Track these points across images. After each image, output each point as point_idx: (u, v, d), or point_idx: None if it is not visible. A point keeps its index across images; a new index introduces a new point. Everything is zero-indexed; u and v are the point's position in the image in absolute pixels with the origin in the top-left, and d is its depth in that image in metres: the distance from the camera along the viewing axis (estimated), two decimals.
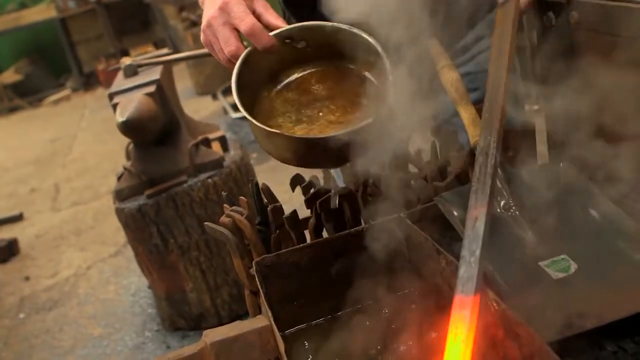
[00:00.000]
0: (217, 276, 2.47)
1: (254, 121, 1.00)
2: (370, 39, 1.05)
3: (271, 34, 1.06)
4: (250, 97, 1.08)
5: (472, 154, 1.18)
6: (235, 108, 5.13)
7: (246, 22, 1.02)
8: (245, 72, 1.05)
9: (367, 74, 1.10)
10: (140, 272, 2.83)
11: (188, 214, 2.37)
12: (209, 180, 2.39)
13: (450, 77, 1.23)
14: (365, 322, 1.04)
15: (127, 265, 3.36)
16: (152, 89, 2.37)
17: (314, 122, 1.06)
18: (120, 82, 2.60)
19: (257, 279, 1.03)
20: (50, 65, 8.96)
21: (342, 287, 1.08)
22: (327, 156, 1.02)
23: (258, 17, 1.06)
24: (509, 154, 1.24)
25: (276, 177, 2.24)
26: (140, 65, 2.65)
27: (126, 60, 2.69)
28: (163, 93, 2.41)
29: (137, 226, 2.37)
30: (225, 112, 5.25)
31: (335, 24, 1.06)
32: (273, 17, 1.07)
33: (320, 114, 1.07)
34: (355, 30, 1.05)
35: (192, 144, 2.40)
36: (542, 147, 1.26)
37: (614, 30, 0.94)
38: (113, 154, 2.57)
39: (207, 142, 2.50)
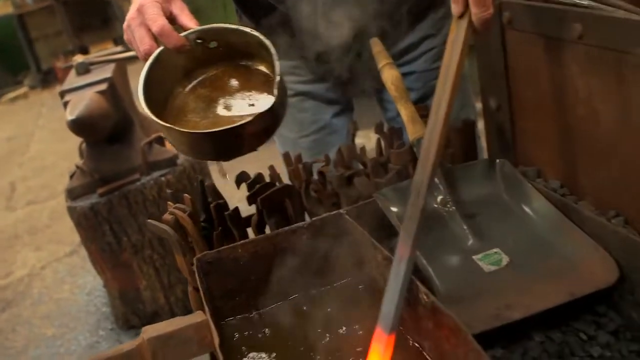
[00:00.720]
0: (171, 274, 2.47)
1: (149, 114, 1.04)
2: (262, 38, 1.10)
3: (182, 34, 1.11)
4: (164, 93, 1.14)
5: (411, 150, 1.21)
6: None
7: (157, 23, 1.08)
8: (157, 69, 1.10)
9: (268, 71, 1.16)
10: (96, 272, 2.81)
11: (141, 212, 2.36)
12: (162, 178, 2.38)
13: (390, 75, 1.26)
14: (304, 314, 1.06)
15: (83, 264, 3.33)
16: (103, 86, 2.35)
17: (218, 117, 1.10)
18: (72, 80, 2.58)
19: (197, 275, 1.04)
20: (7, 62, 8.79)
21: (283, 282, 1.10)
22: (218, 149, 1.07)
23: (174, 18, 1.12)
24: (449, 151, 1.28)
25: (232, 178, 2.24)
26: (92, 63, 2.63)
27: (78, 58, 2.67)
28: (115, 91, 2.40)
29: (89, 225, 2.36)
30: None
31: (237, 26, 1.12)
32: (187, 19, 1.13)
33: (224, 108, 1.11)
34: (253, 32, 1.10)
35: (145, 142, 2.39)
36: (479, 142, 1.29)
37: (546, 31, 0.98)
38: (71, 153, 2.55)
39: (160, 140, 2.49)
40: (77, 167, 2.44)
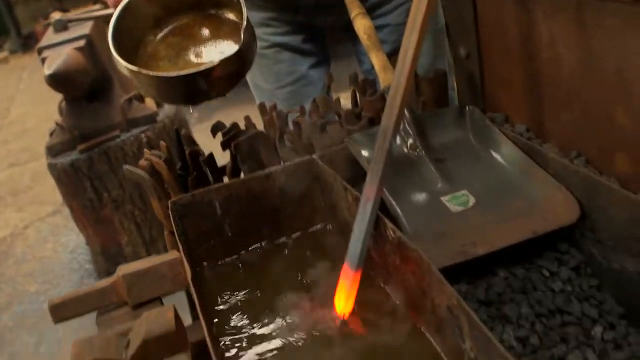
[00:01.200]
0: (152, 229, 2.48)
1: (118, 58, 1.06)
2: None
3: None
4: (135, 41, 1.16)
5: (383, 98, 1.23)
6: None
7: None
8: (127, 17, 1.13)
9: (237, 20, 1.18)
10: (79, 230, 2.82)
11: (121, 168, 2.35)
12: (142, 135, 2.39)
13: (363, 24, 1.27)
14: (278, 257, 1.09)
15: (66, 223, 3.34)
16: (81, 43, 2.34)
17: (188, 64, 1.14)
18: (50, 37, 2.56)
19: (172, 218, 1.06)
20: None
21: (258, 226, 1.13)
22: (185, 92, 1.10)
23: None
24: (420, 99, 1.30)
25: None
26: (70, 21, 2.61)
27: (56, 15, 2.65)
28: (93, 48, 2.39)
29: (70, 181, 2.36)
30: None
31: None
32: None
33: (195, 56, 1.15)
34: None
35: (125, 99, 2.39)
36: (451, 92, 1.32)
37: None
38: (52, 116, 2.54)
39: (140, 98, 2.49)
40: (57, 124, 2.44)
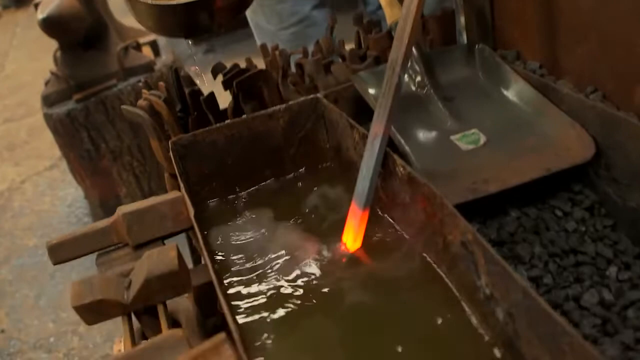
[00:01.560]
0: (152, 181, 2.45)
1: None
2: None
3: None
4: None
5: (389, 35, 1.19)
6: None
7: None
8: None
9: None
10: (77, 184, 2.79)
11: (119, 119, 2.32)
12: (139, 83, 2.33)
13: None
14: (282, 197, 1.06)
15: (63, 177, 3.31)
16: None
17: None
18: None
19: (173, 158, 1.02)
20: None
21: (261, 166, 1.09)
22: (185, 23, 1.07)
23: None
24: (428, 37, 1.25)
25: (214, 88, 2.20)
26: None
27: None
28: None
29: (66, 132, 2.32)
30: None
31: None
32: None
33: None
34: None
35: (121, 47, 2.33)
36: (460, 31, 1.27)
37: None
38: (47, 71, 2.49)
39: (137, 46, 2.43)
40: (52, 73, 2.39)
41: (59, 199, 3.15)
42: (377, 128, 0.89)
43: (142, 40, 2.52)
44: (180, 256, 0.82)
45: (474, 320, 0.77)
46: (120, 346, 1.14)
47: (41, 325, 2.32)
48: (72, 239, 0.88)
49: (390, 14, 1.15)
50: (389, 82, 0.90)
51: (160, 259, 0.80)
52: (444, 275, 0.83)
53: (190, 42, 1.28)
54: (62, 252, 0.88)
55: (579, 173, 0.96)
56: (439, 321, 0.77)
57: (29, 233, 2.92)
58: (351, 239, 0.91)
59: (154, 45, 2.56)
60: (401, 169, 0.87)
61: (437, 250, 0.84)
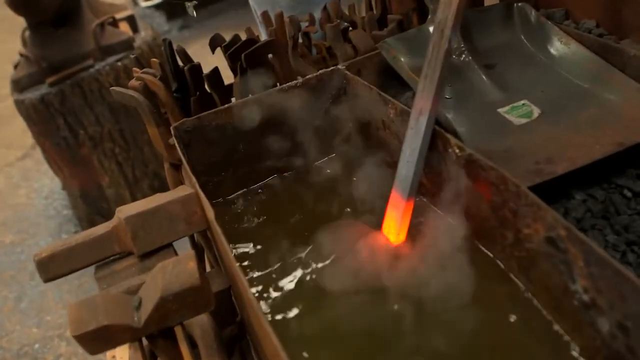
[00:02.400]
0: (136, 168, 2.28)
1: None
2: None
3: None
4: None
5: None
6: None
7: None
8: None
9: None
10: (53, 174, 2.60)
11: (98, 102, 2.14)
12: (119, 63, 2.15)
13: None
14: (302, 185, 0.92)
15: (37, 167, 3.12)
16: None
17: None
18: None
19: (177, 147, 0.87)
20: None
21: (277, 151, 0.94)
22: None
23: None
24: None
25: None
26: None
27: None
28: None
29: (41, 119, 2.13)
30: (135, 2, 4.88)
31: None
32: None
33: None
34: None
35: (97, 24, 2.14)
36: None
37: None
38: (14, 54, 2.29)
39: (113, 22, 2.25)
40: (22, 55, 2.19)
41: (35, 190, 2.96)
42: (422, 103, 0.75)
43: (118, 15, 2.34)
44: (200, 267, 0.67)
45: (557, 327, 0.64)
46: (114, 352, 1.00)
47: (24, 330, 2.15)
48: (66, 250, 0.72)
49: None
50: (436, 48, 0.76)
51: (177, 272, 0.65)
52: (515, 278, 0.70)
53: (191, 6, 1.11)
54: (54, 267, 0.72)
55: None
56: (508, 326, 0.65)
57: (3, 229, 2.73)
58: (394, 231, 0.77)
59: (131, 20, 2.37)
60: (457, 150, 0.73)
61: (503, 245, 0.71)
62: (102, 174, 2.24)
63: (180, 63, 1.05)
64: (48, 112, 2.11)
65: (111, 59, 2.15)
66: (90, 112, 2.13)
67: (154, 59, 1.02)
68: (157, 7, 4.41)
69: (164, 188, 1.13)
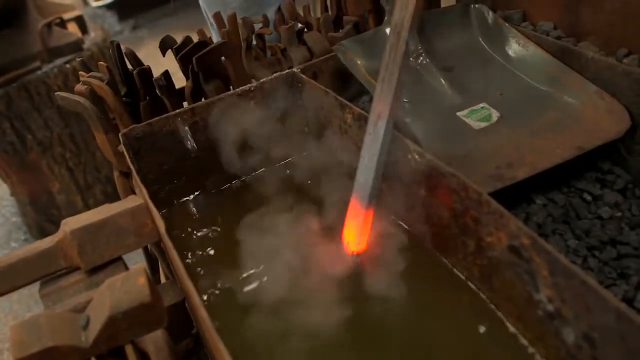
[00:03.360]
0: (87, 173, 2.21)
1: None
2: None
3: None
4: None
5: None
6: None
7: None
8: None
9: None
10: (1, 180, 2.51)
11: (46, 105, 2.06)
12: (67, 65, 2.08)
13: None
14: (257, 193, 0.89)
15: None
16: None
17: None
18: None
19: (126, 155, 0.83)
20: None
21: (230, 160, 0.91)
22: None
23: None
24: None
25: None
26: None
27: None
28: None
29: None
30: (85, 2, 4.77)
31: None
32: None
33: None
34: None
35: (43, 24, 2.07)
36: None
37: None
38: None
39: (61, 23, 2.17)
40: None
41: None
42: (381, 107, 0.73)
43: (66, 15, 2.26)
44: (150, 282, 0.64)
45: (521, 338, 0.63)
46: None
47: None
48: (8, 266, 0.68)
49: None
50: (393, 50, 0.74)
51: (126, 288, 0.62)
52: (474, 287, 0.68)
53: None
54: None
55: (607, 149, 0.82)
56: (470, 337, 0.63)
57: None
58: (354, 239, 0.75)
59: (80, 21, 2.30)
60: (416, 156, 0.71)
61: (465, 254, 0.69)
62: (52, 180, 2.17)
63: (129, 66, 1.01)
64: None
65: (59, 61, 2.07)
66: (39, 116, 2.06)
67: (102, 63, 0.98)
68: (108, 7, 4.32)
69: (117, 194, 1.09)
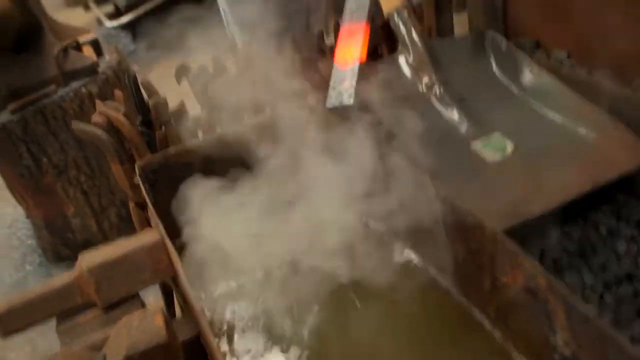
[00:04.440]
0: (102, 197, 2.22)
1: None
2: None
3: None
4: None
5: (386, 26, 1.03)
6: (110, 17, 4.71)
7: None
8: None
9: None
10: (16, 201, 2.52)
11: (62, 129, 2.08)
12: (83, 89, 2.10)
13: None
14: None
15: (0, 195, 3.02)
16: None
17: None
18: None
19: (142, 187, 0.84)
20: None
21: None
22: None
23: None
24: (425, 25, 1.09)
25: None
26: None
27: None
28: None
29: (3, 147, 2.06)
30: (100, 22, 4.81)
31: None
32: None
33: None
34: None
35: (60, 49, 2.09)
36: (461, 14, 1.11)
37: None
38: None
39: (77, 46, 2.19)
40: None
41: None
42: None
43: (82, 39, 2.28)
44: (167, 321, 0.64)
45: None
46: None
47: None
48: (26, 302, 0.69)
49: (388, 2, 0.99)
50: None
51: (143, 328, 0.62)
52: (486, 324, 0.68)
53: None
54: (13, 321, 0.69)
55: (623, 180, 0.82)
56: None
57: None
58: (354, 55, 0.86)
59: (95, 44, 2.32)
60: (432, 193, 0.71)
61: (480, 292, 0.69)
62: (67, 203, 2.18)
63: (145, 96, 1.02)
64: (10, 140, 2.05)
65: (75, 85, 2.09)
66: (54, 139, 2.07)
67: (117, 91, 0.99)
68: (122, 27, 4.35)
69: (131, 217, 1.09)
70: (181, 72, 1.07)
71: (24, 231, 2.65)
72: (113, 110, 0.93)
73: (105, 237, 2.23)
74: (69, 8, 5.69)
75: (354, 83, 0.85)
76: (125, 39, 4.36)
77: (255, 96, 0.96)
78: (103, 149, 0.91)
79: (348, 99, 0.85)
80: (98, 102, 0.97)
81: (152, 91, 1.00)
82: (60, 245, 2.29)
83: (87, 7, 5.44)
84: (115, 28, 4.39)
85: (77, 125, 0.90)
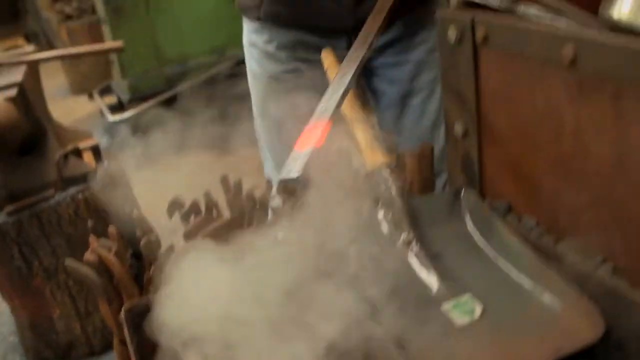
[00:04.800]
0: (88, 302, 2.24)
1: None
2: None
3: None
4: None
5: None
6: (112, 110, 4.85)
7: None
8: None
9: None
10: (1, 297, 2.52)
11: (55, 233, 2.13)
12: (79, 195, 2.16)
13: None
14: None
15: None
16: (13, 93, 2.12)
17: None
18: None
19: (126, 329, 0.88)
20: None
21: None
22: None
23: None
24: (407, 177, 1.16)
25: (157, 188, 2.01)
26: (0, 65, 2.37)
27: None
28: (26, 97, 2.17)
29: None
30: (102, 114, 4.95)
31: None
32: None
33: None
34: None
35: (61, 155, 2.16)
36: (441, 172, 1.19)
37: (529, 53, 0.87)
38: None
39: (77, 152, 2.27)
40: None
41: None
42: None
43: (82, 144, 2.36)
44: None
45: None
46: None
47: None
48: None
49: (371, 159, 1.05)
50: None
51: None
52: None
53: None
54: None
55: (586, 351, 0.85)
56: None
57: None
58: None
59: (95, 149, 2.40)
60: None
61: None
62: (53, 306, 2.20)
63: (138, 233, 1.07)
64: (4, 241, 2.09)
65: (72, 190, 2.16)
66: (47, 243, 2.12)
67: (111, 229, 1.04)
68: (124, 121, 4.48)
69: None
70: (173, 208, 1.13)
71: (6, 327, 2.65)
72: (105, 250, 0.97)
73: (88, 340, 2.25)
74: (74, 96, 5.88)
75: (304, 162, 1.01)
76: (124, 132, 4.47)
77: None
78: (93, 289, 0.95)
79: (295, 173, 1.01)
80: (92, 239, 1.02)
81: (144, 229, 1.06)
82: (43, 346, 2.30)
83: (91, 97, 5.60)
84: (116, 122, 4.52)
85: (71, 264, 0.95)
